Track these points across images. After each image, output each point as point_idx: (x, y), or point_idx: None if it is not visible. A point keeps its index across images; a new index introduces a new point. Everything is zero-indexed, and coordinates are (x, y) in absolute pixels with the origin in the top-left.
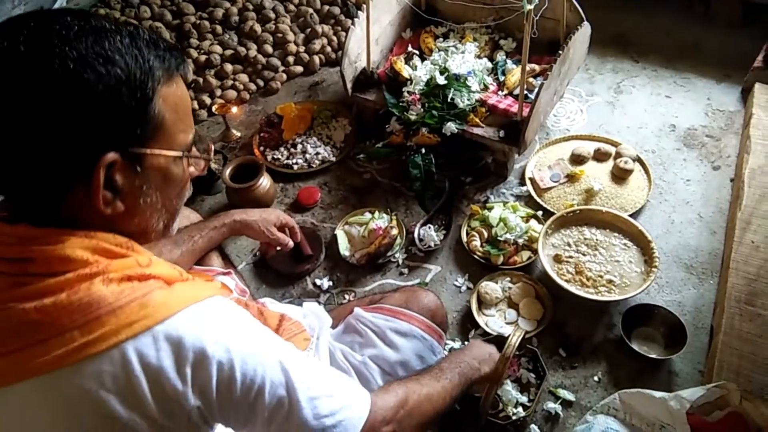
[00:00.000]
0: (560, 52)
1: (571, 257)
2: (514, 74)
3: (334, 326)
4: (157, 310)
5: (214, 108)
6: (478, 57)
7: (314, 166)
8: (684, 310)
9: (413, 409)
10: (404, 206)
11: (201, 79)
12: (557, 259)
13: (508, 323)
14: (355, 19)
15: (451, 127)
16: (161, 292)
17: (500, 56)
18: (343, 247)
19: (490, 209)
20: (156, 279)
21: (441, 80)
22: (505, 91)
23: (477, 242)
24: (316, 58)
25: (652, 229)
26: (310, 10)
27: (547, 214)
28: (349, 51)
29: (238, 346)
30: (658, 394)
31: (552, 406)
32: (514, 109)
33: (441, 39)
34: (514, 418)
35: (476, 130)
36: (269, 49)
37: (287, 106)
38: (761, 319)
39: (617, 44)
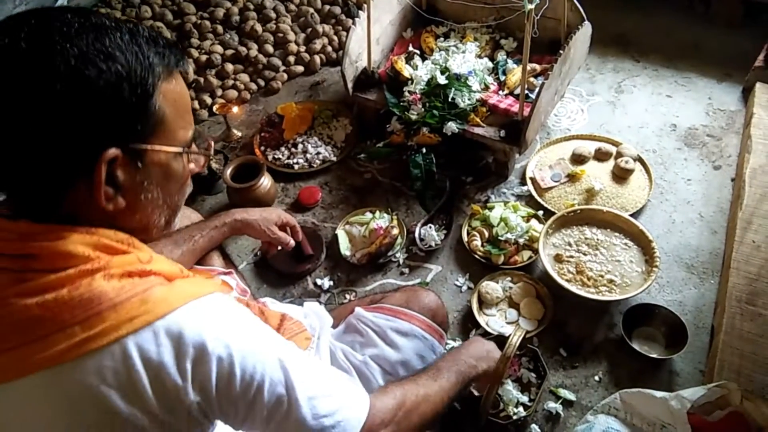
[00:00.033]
0: (561, 51)
1: (571, 257)
2: (515, 74)
3: (335, 326)
4: (157, 305)
5: (215, 108)
6: (479, 56)
7: (315, 165)
8: (685, 309)
9: (411, 411)
10: (405, 206)
11: (202, 79)
12: (558, 258)
13: (508, 323)
14: (356, 19)
15: (451, 126)
16: (162, 288)
17: (501, 56)
18: (344, 247)
19: (490, 209)
20: (157, 275)
21: (442, 80)
22: (506, 91)
23: (478, 242)
24: (317, 58)
25: (653, 229)
26: (311, 10)
27: (548, 213)
28: (349, 51)
29: (238, 343)
30: (658, 393)
31: (553, 405)
32: (515, 108)
33: (442, 38)
34: (514, 417)
35: (477, 130)
36: (270, 48)
37: (288, 105)
38: (762, 318)
39: (618, 44)
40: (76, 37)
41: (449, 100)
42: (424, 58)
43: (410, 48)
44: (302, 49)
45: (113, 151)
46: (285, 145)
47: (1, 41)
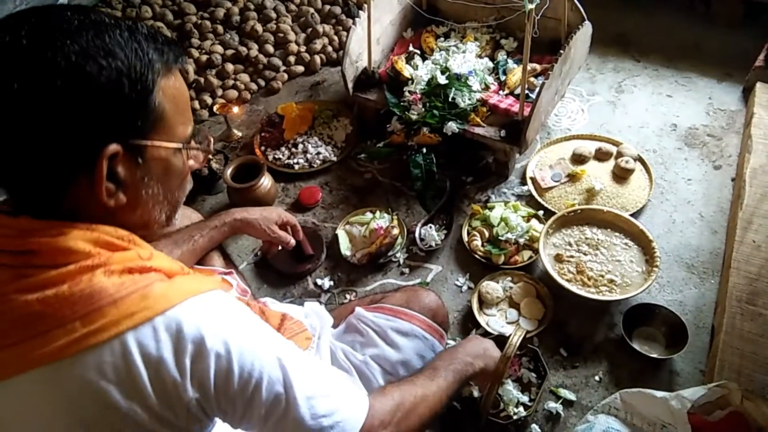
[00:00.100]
0: (561, 51)
1: (572, 257)
2: (516, 74)
3: (335, 326)
4: (157, 301)
5: (215, 108)
6: (479, 56)
7: (315, 165)
8: (685, 309)
9: (410, 412)
10: (405, 206)
11: (202, 79)
12: (558, 258)
13: (509, 323)
14: (356, 19)
15: (452, 126)
16: (162, 284)
17: (501, 56)
18: (344, 247)
19: (491, 209)
20: (157, 272)
21: (442, 80)
22: (506, 91)
23: (478, 242)
24: (317, 58)
25: (653, 229)
26: (312, 10)
27: (548, 213)
28: (350, 51)
29: (236, 340)
30: (659, 393)
31: (553, 405)
32: (515, 108)
33: (442, 38)
34: (515, 417)
35: (477, 130)
36: (270, 48)
37: (288, 105)
38: (762, 318)
39: (618, 44)
40: (77, 33)
41: (449, 100)
42: (424, 58)
43: (410, 48)
44: (302, 49)
45: (114, 147)
46: (285, 145)
47: (3, 38)
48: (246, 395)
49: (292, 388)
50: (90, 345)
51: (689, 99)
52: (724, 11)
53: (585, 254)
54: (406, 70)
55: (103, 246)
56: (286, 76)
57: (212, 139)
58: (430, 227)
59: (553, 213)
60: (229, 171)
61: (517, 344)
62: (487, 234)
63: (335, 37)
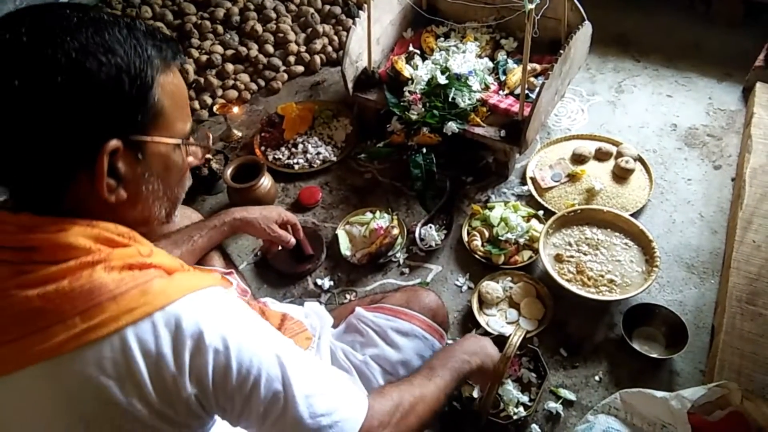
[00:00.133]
0: (561, 51)
1: (572, 257)
2: (515, 74)
3: (335, 326)
4: (156, 297)
5: (215, 108)
6: (479, 56)
7: (315, 165)
8: (685, 309)
9: (409, 412)
10: (405, 206)
11: (202, 79)
12: (558, 258)
13: (509, 323)
14: (356, 19)
15: (452, 126)
16: (161, 280)
17: (501, 56)
18: (344, 247)
19: (491, 209)
20: (156, 268)
21: (442, 80)
22: (506, 91)
23: (478, 242)
24: (317, 58)
25: (653, 229)
26: (311, 10)
27: (548, 213)
28: (350, 51)
29: (235, 336)
30: (659, 393)
31: (553, 405)
32: (515, 108)
33: (442, 38)
34: (515, 417)
35: (477, 130)
36: (270, 48)
37: (288, 105)
38: (762, 318)
39: (618, 44)
40: (76, 31)
41: (449, 100)
42: (424, 58)
43: (410, 48)
44: (302, 49)
45: (114, 143)
46: (285, 145)
47: (3, 36)
48: (244, 392)
49: (290, 386)
50: (90, 340)
51: (689, 99)
52: (724, 11)
53: (585, 254)
54: (406, 70)
55: (104, 242)
56: (286, 76)
57: (211, 136)
58: (430, 227)
59: (553, 213)
60: (229, 171)
61: (517, 344)
62: (487, 234)
63: (335, 37)
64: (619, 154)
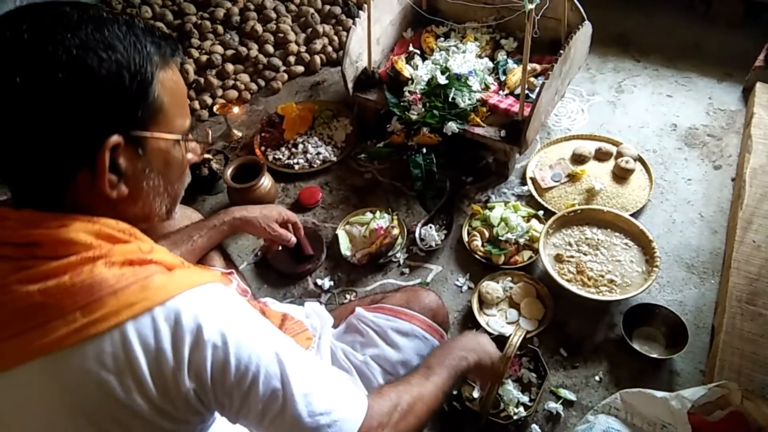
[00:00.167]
0: (561, 51)
1: (572, 257)
2: (515, 74)
3: (335, 326)
4: (156, 292)
5: (215, 108)
6: (479, 56)
7: (315, 166)
8: (685, 309)
9: (407, 412)
10: (405, 206)
11: (202, 79)
12: (558, 258)
13: (509, 323)
14: (356, 19)
15: (452, 126)
16: (162, 276)
17: (501, 56)
18: (345, 247)
19: (491, 209)
20: (157, 264)
21: (442, 80)
22: (506, 91)
23: (478, 242)
24: (317, 58)
25: (654, 229)
26: (311, 10)
27: (548, 213)
28: (350, 51)
29: (234, 332)
30: (659, 393)
31: (553, 405)
32: (515, 108)
33: (442, 38)
34: (515, 417)
35: (477, 130)
36: (270, 49)
37: (288, 105)
38: (762, 318)
39: (618, 44)
40: (76, 27)
41: (449, 100)
42: (424, 58)
43: (410, 48)
44: (302, 49)
45: (115, 138)
46: (285, 145)
47: (4, 34)
48: (242, 388)
49: (289, 384)
50: (90, 335)
51: (689, 99)
52: (724, 11)
53: (585, 254)
54: (406, 70)
55: (105, 238)
56: (286, 76)
57: (210, 132)
58: (430, 227)
59: (553, 213)
60: (229, 171)
61: (517, 344)
62: (487, 234)
63: (335, 37)
64: (619, 154)
